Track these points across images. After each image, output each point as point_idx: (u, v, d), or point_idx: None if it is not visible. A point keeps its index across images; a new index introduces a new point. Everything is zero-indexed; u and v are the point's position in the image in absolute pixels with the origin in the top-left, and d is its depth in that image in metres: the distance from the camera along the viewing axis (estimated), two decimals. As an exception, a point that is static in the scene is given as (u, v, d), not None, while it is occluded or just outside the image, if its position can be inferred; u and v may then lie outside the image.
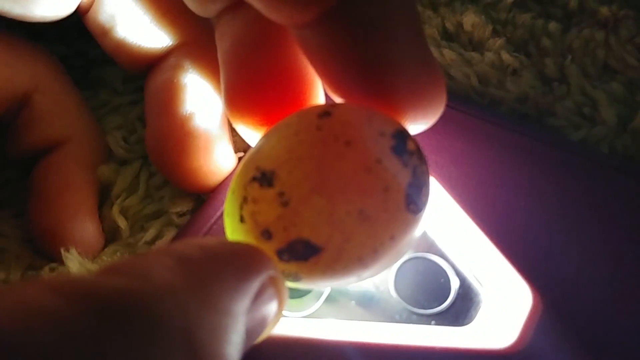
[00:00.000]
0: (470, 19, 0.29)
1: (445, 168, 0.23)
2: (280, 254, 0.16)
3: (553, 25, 0.29)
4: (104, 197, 0.26)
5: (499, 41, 0.28)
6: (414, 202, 0.16)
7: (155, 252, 0.14)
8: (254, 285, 0.15)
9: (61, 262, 0.23)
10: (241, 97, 0.19)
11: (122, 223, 0.25)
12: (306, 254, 0.16)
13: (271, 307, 0.16)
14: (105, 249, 0.25)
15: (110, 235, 0.25)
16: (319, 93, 0.20)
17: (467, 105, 0.25)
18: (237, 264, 0.15)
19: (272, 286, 0.16)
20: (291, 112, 0.19)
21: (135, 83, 0.29)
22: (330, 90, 0.18)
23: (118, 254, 0.24)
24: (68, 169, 0.25)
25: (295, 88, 0.19)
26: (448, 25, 0.30)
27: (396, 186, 0.16)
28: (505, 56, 0.28)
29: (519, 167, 0.23)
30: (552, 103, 0.27)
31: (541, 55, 0.28)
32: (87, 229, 0.24)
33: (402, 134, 0.17)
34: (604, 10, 0.29)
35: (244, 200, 0.16)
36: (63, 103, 0.25)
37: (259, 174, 0.16)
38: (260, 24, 0.19)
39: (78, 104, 0.26)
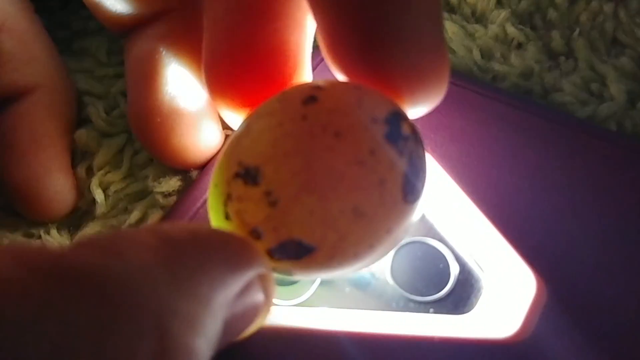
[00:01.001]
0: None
1: (445, 147, 0.21)
2: (271, 252, 0.15)
3: (559, -3, 0.28)
4: (77, 157, 0.25)
5: (504, 13, 0.27)
6: (411, 191, 0.15)
7: (140, 230, 0.13)
8: (241, 279, 0.14)
9: (40, 230, 0.22)
10: (223, 73, 0.18)
11: (99, 197, 0.23)
12: (299, 253, 0.15)
13: (256, 304, 0.15)
14: (86, 228, 0.23)
15: (86, 205, 0.24)
16: (307, 73, 0.18)
17: (468, 81, 0.24)
18: (226, 255, 0.14)
19: (259, 283, 0.15)
20: (274, 92, 0.17)
21: (120, 56, 0.28)
22: (328, 55, 0.17)
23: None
24: (39, 120, 0.23)
25: (283, 66, 0.18)
26: (450, -4, 0.28)
27: (392, 178, 0.15)
28: (510, 29, 0.26)
29: (522, 146, 0.21)
30: (559, 79, 0.25)
31: (547, 28, 0.27)
32: (63, 185, 0.23)
33: (396, 116, 0.15)
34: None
35: (228, 197, 0.15)
36: (31, 46, 0.23)
37: (242, 170, 0.15)
38: None
39: (48, 48, 0.24)
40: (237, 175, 0.15)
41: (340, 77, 0.17)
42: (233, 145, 0.16)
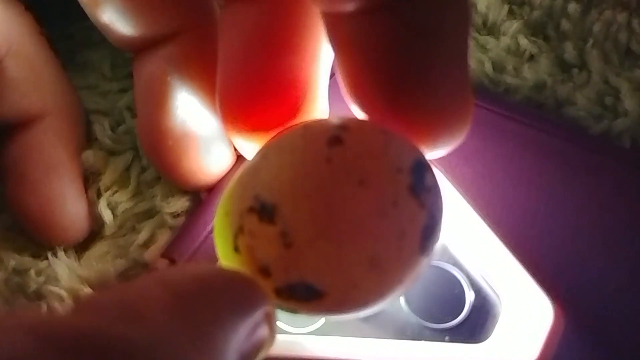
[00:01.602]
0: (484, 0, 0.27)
1: (458, 168, 0.21)
2: (278, 292, 0.15)
3: (572, 7, 0.27)
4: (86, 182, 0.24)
5: (516, 24, 0.26)
6: (427, 244, 0.15)
7: (148, 284, 0.13)
8: (250, 322, 0.14)
9: (47, 252, 0.22)
10: (236, 102, 0.17)
11: (107, 218, 0.23)
12: (308, 297, 0.14)
13: (262, 339, 0.15)
14: (93, 248, 0.23)
15: (95, 227, 0.24)
16: (323, 104, 0.18)
17: (481, 98, 0.23)
18: (235, 300, 0.13)
19: (265, 319, 0.14)
20: (288, 122, 0.17)
21: (124, 69, 0.27)
22: (349, 91, 0.16)
23: (109, 256, 0.23)
24: (50, 147, 0.23)
25: (297, 97, 0.17)
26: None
27: (411, 230, 0.14)
28: (523, 41, 0.26)
29: (537, 166, 0.21)
30: (572, 92, 0.25)
31: (560, 40, 0.26)
32: (78, 212, 0.23)
33: (421, 165, 0.15)
34: (627, -10, 0.27)
35: (240, 229, 0.15)
36: (39, 70, 0.23)
37: (257, 205, 0.14)
38: (274, 18, 0.17)
39: (56, 71, 0.24)
40: (251, 209, 0.15)
41: (358, 112, 0.16)
42: (250, 176, 0.15)
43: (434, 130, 0.15)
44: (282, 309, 0.15)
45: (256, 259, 0.15)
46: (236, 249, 0.15)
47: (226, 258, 0.16)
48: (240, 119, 0.17)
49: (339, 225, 0.14)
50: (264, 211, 0.14)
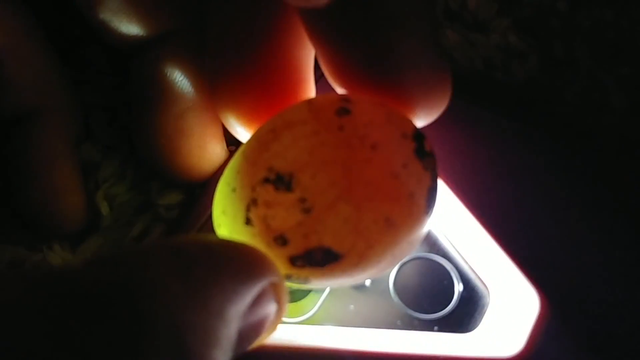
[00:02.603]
0: (474, -3, 0.27)
1: (448, 162, 0.21)
2: (294, 260, 0.15)
3: (561, 4, 0.27)
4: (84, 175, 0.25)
5: (505, 21, 0.27)
6: (430, 205, 0.16)
7: (152, 244, 0.13)
8: (253, 290, 0.14)
9: (42, 245, 0.23)
10: (230, 87, 0.18)
11: (104, 210, 0.24)
12: (324, 261, 0.15)
13: (269, 313, 0.15)
14: (88, 240, 0.23)
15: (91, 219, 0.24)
16: (312, 86, 0.19)
17: (469, 92, 0.24)
18: (238, 267, 0.14)
19: (272, 292, 0.15)
20: (281, 105, 0.18)
21: (120, 63, 0.27)
22: (332, 77, 0.17)
23: (103, 249, 0.23)
24: (49, 141, 0.23)
25: (289, 80, 0.18)
26: (451, 3, 0.28)
27: (419, 191, 0.15)
28: (512, 38, 0.26)
29: (525, 161, 0.21)
30: (560, 88, 0.25)
31: (549, 37, 0.27)
32: (76, 204, 0.23)
33: (420, 134, 0.16)
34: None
35: (253, 202, 0.15)
36: (37, 66, 0.23)
37: (272, 176, 0.15)
38: (258, 9, 0.18)
39: (53, 66, 0.24)
40: (266, 180, 0.15)
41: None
42: (259, 151, 0.16)
43: (414, 102, 0.16)
44: (294, 280, 0.16)
45: (272, 229, 0.15)
46: (248, 221, 0.15)
47: (235, 233, 0.16)
48: (235, 103, 0.18)
49: (357, 188, 0.15)
50: (280, 181, 0.15)
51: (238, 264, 0.14)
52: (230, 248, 0.14)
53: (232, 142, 0.23)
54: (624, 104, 0.24)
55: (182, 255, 0.13)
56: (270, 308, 0.15)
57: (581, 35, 0.27)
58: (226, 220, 0.16)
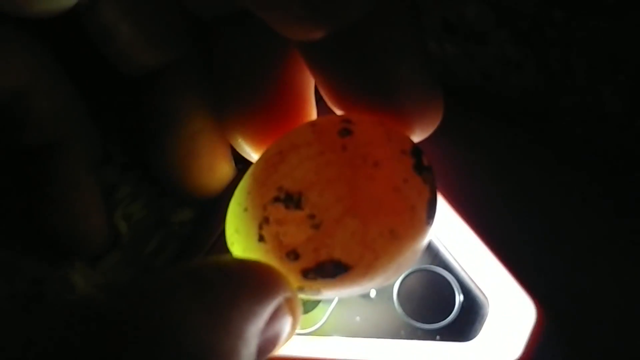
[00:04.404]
0: (472, 9, 0.28)
1: (448, 177, 0.22)
2: (306, 273, 0.16)
3: (558, 14, 0.28)
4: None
5: (502, 33, 0.28)
6: (432, 215, 0.17)
7: (172, 271, 0.14)
8: (269, 308, 0.15)
9: (64, 262, 0.24)
10: (238, 112, 0.20)
11: (122, 228, 0.25)
12: (335, 273, 0.16)
13: (285, 327, 0.16)
14: (107, 258, 0.25)
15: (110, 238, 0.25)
16: (314, 108, 0.20)
17: (467, 104, 0.24)
18: (253, 286, 0.15)
19: (287, 307, 0.16)
20: (286, 128, 0.19)
21: (133, 88, 0.28)
22: (331, 102, 0.18)
23: (121, 265, 0.24)
24: (72, 169, 0.24)
25: (292, 103, 0.19)
26: (449, 16, 0.29)
27: (420, 204, 0.16)
28: (509, 49, 0.27)
29: (524, 173, 0.22)
30: (557, 98, 0.26)
31: (545, 47, 0.27)
32: (99, 227, 0.24)
33: (418, 150, 0.17)
34: (610, -4, 0.28)
35: (265, 220, 0.16)
36: (58, 99, 0.24)
37: (282, 195, 0.16)
38: (262, 37, 0.19)
39: (74, 100, 0.25)
40: (276, 199, 0.16)
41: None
42: (267, 172, 0.17)
43: (410, 120, 0.17)
44: (306, 292, 0.17)
45: (284, 245, 0.16)
46: (261, 239, 0.16)
47: (248, 251, 0.17)
48: (244, 128, 0.19)
49: (362, 203, 0.16)
50: (290, 199, 0.16)
51: (254, 284, 0.15)
52: (246, 269, 0.15)
53: (239, 161, 0.24)
54: (620, 112, 0.25)
55: (201, 280, 0.14)
56: (286, 322, 0.16)
57: (577, 45, 0.27)
58: (239, 239, 0.17)
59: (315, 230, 0.16)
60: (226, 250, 0.18)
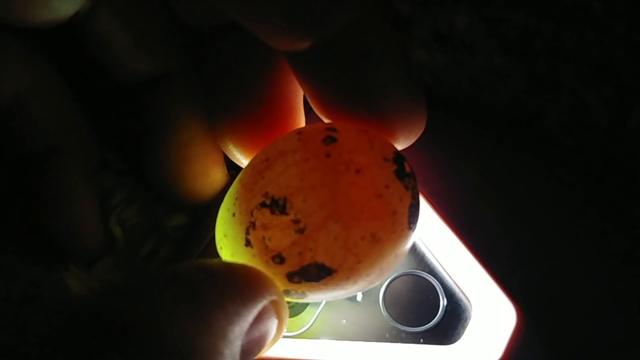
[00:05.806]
0: (463, 19, 0.29)
1: (434, 183, 0.23)
2: (291, 276, 0.17)
3: (545, 24, 0.29)
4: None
5: (491, 43, 0.28)
6: (413, 220, 0.17)
7: (160, 273, 0.15)
8: (254, 310, 0.15)
9: (59, 265, 0.24)
10: (228, 118, 0.20)
11: (117, 233, 0.25)
12: (319, 276, 0.17)
13: (270, 328, 0.17)
14: (102, 261, 0.25)
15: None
16: (302, 115, 0.21)
17: (452, 113, 0.25)
18: (239, 288, 0.15)
19: (272, 309, 0.16)
20: (274, 134, 0.19)
21: (128, 94, 0.29)
22: (319, 110, 0.19)
23: (115, 268, 0.25)
24: (69, 175, 0.25)
25: (280, 111, 0.20)
26: (440, 26, 0.30)
27: (401, 209, 0.17)
28: (497, 59, 0.27)
29: (507, 180, 0.23)
30: (544, 107, 0.26)
31: (533, 57, 0.28)
32: (94, 232, 0.25)
33: (400, 157, 0.17)
34: (598, 6, 0.29)
35: (251, 225, 0.17)
36: (56, 106, 0.25)
37: (268, 201, 0.17)
38: (252, 47, 0.20)
39: (72, 107, 0.26)
40: (262, 205, 0.17)
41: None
42: (254, 179, 0.18)
43: (394, 128, 0.18)
44: (292, 295, 0.17)
45: (270, 249, 0.17)
46: (247, 243, 0.17)
47: (236, 255, 0.18)
48: (235, 134, 0.20)
49: (344, 208, 0.16)
50: (275, 205, 0.17)
51: (240, 286, 0.15)
52: (231, 272, 0.16)
53: (232, 167, 0.25)
54: (606, 122, 0.25)
55: (188, 282, 0.14)
56: (271, 324, 0.16)
57: (564, 55, 0.28)
58: (228, 243, 0.18)
59: (299, 234, 0.16)
60: (216, 254, 0.19)
